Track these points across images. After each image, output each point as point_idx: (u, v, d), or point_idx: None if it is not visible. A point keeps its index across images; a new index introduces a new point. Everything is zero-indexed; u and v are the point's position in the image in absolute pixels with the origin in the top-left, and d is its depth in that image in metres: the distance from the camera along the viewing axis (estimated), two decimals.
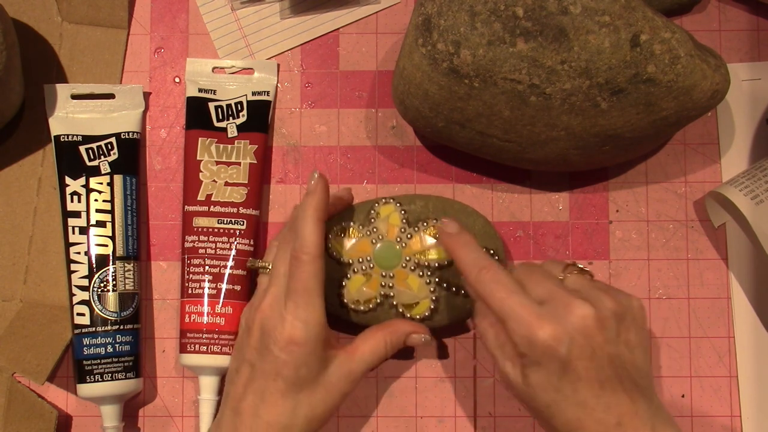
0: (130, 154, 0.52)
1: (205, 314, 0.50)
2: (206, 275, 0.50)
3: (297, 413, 0.43)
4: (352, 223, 0.50)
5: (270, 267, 0.47)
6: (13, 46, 0.48)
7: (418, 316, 0.48)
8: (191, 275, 0.50)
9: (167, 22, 0.54)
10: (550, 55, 0.43)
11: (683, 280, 0.52)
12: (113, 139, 0.51)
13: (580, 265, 0.44)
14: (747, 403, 0.52)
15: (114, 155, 0.51)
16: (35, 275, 0.52)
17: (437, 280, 0.49)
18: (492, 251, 0.49)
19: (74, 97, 0.52)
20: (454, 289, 0.49)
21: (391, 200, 0.50)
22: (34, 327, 0.51)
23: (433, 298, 0.48)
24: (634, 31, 0.43)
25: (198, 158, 0.51)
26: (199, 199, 0.51)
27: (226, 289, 0.50)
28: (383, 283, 0.49)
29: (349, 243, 0.49)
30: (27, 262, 0.52)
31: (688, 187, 0.53)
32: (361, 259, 0.49)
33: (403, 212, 0.49)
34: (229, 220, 0.51)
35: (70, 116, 0.52)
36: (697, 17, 0.54)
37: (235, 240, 0.50)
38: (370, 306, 0.49)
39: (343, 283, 0.49)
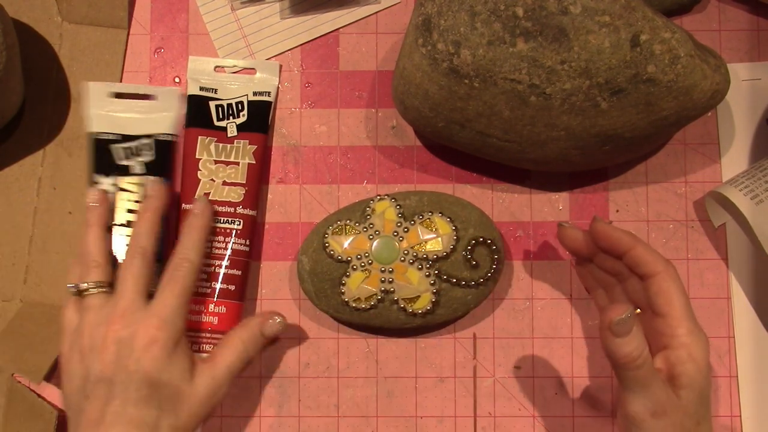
0: (165, 156, 0.52)
1: (199, 313, 0.50)
2: (201, 274, 0.50)
3: (160, 424, 0.43)
4: (348, 221, 0.50)
5: (94, 286, 0.46)
6: (13, 46, 0.49)
7: (420, 311, 0.49)
8: None
9: (167, 22, 0.54)
10: (550, 55, 0.43)
11: (683, 280, 0.52)
12: (149, 140, 0.51)
13: None
14: (747, 403, 0.52)
15: (149, 156, 0.51)
16: (35, 275, 0.52)
17: (437, 272, 0.49)
18: (489, 240, 0.49)
19: (114, 96, 0.52)
20: (453, 280, 0.49)
21: (386, 197, 0.50)
22: (33, 326, 0.51)
23: (434, 290, 0.49)
24: (634, 31, 0.43)
25: (197, 156, 0.51)
26: (196, 197, 0.51)
27: (220, 289, 0.50)
28: (383, 279, 0.49)
29: (346, 241, 0.49)
30: (27, 262, 0.52)
31: (688, 187, 0.53)
32: (359, 256, 0.49)
33: (398, 207, 0.50)
34: (225, 219, 0.51)
35: (109, 114, 0.52)
36: (697, 17, 0.54)
37: (231, 240, 0.50)
38: (372, 303, 0.49)
39: (344, 281, 0.49)
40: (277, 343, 0.52)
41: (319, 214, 0.53)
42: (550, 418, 0.52)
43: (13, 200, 0.53)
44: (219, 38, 0.54)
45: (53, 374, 0.52)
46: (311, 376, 0.52)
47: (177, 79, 0.54)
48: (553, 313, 0.52)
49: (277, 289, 0.52)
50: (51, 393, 0.52)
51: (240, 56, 0.54)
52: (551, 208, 0.53)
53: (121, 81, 0.54)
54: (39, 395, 0.51)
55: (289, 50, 0.54)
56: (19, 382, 0.51)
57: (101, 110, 0.52)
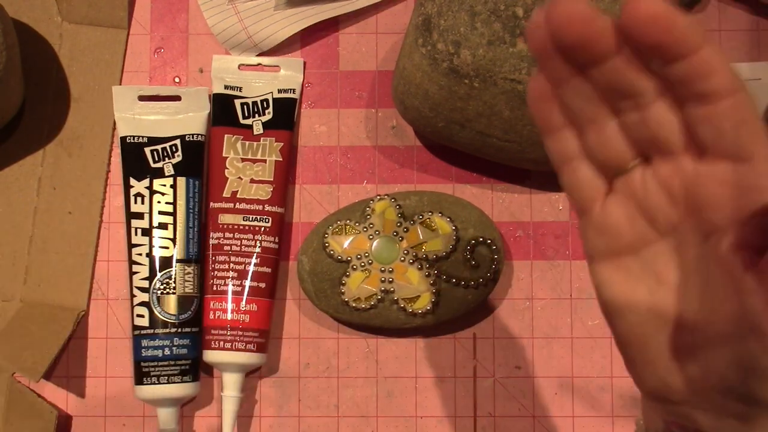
0: (194, 157, 0.51)
1: (229, 311, 0.50)
2: (231, 272, 0.50)
3: None
4: (348, 221, 0.50)
5: None
6: (13, 46, 0.49)
7: (420, 311, 0.49)
8: (216, 272, 0.50)
9: (167, 22, 0.54)
10: None
11: None
12: (178, 141, 0.51)
13: None
14: None
15: (178, 157, 0.51)
16: (35, 275, 0.52)
17: (436, 272, 0.49)
18: (489, 241, 0.49)
19: (141, 98, 0.52)
20: (453, 280, 0.49)
21: (386, 196, 0.50)
22: (33, 326, 0.51)
23: (434, 290, 0.49)
24: None
25: (224, 155, 0.51)
26: (224, 195, 0.51)
27: (250, 287, 0.50)
28: (383, 279, 0.49)
29: (346, 240, 0.49)
30: (27, 262, 0.52)
31: None
32: (359, 256, 0.49)
33: (398, 207, 0.50)
34: (254, 217, 0.51)
35: (136, 117, 0.52)
36: (697, 17, 0.54)
37: (260, 237, 0.51)
38: (372, 303, 0.49)
39: (343, 281, 0.49)
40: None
41: (319, 214, 0.53)
42: (550, 418, 0.52)
43: (13, 200, 0.53)
44: (220, 33, 0.53)
45: (52, 373, 0.52)
46: (311, 376, 0.52)
47: (177, 79, 0.54)
48: (553, 313, 0.52)
49: (277, 288, 0.52)
50: (51, 393, 0.52)
51: (243, 49, 0.53)
52: (551, 208, 0.53)
53: (120, 82, 0.54)
54: (39, 395, 0.51)
55: (291, 35, 0.53)
56: (19, 382, 0.51)
57: (127, 113, 0.52)
